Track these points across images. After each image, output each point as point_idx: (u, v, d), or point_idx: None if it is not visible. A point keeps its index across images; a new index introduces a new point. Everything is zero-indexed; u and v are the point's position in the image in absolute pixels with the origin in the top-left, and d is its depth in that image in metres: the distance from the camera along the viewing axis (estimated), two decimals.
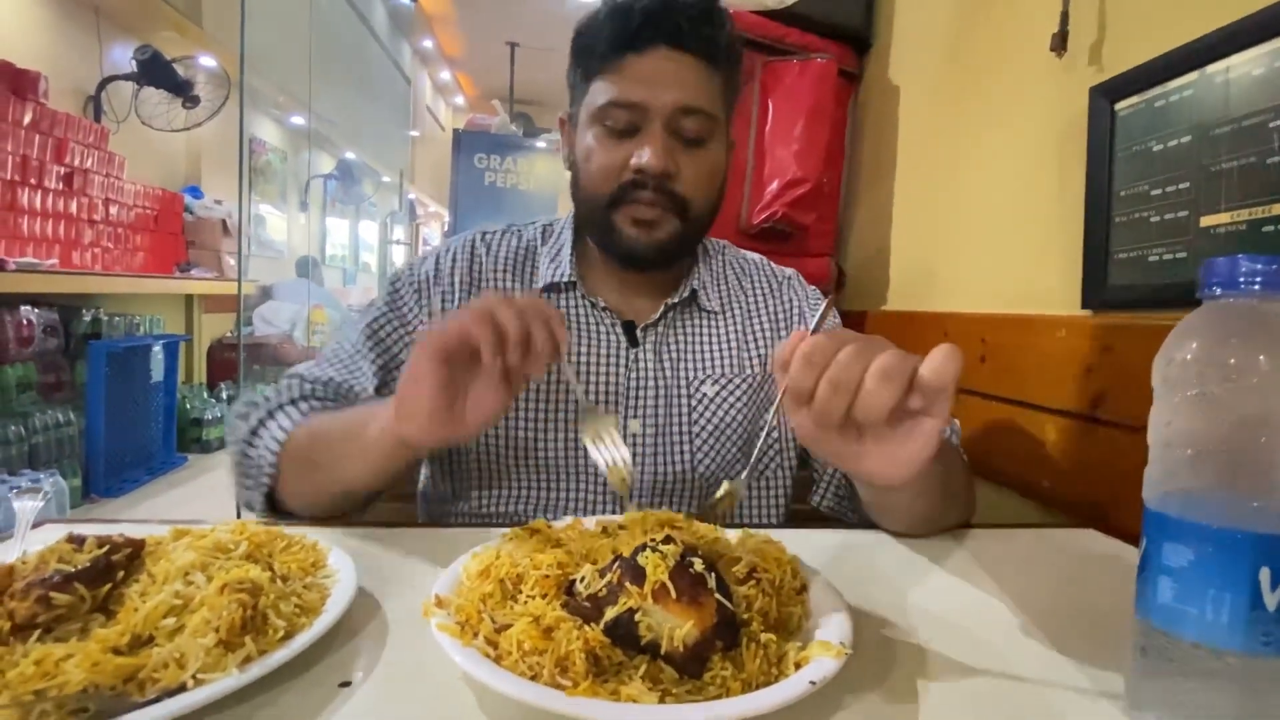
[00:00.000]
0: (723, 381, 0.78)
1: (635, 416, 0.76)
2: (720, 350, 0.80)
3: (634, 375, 0.77)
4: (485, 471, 0.75)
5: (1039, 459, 0.91)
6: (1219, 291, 0.36)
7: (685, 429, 0.76)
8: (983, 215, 1.11)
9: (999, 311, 1.04)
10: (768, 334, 0.82)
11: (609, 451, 0.54)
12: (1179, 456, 0.36)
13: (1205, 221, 0.70)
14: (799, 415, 0.45)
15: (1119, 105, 0.81)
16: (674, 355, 0.78)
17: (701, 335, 0.80)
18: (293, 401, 0.71)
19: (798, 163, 1.35)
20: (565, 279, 0.78)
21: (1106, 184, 0.82)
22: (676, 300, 0.78)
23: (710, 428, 0.77)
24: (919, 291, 1.30)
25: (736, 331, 0.81)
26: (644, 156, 0.69)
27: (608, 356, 0.76)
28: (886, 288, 1.40)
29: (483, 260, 0.80)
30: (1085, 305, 0.85)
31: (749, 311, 0.83)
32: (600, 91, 0.71)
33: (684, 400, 0.77)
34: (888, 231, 1.40)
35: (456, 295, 0.78)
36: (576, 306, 0.78)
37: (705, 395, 0.77)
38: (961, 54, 1.19)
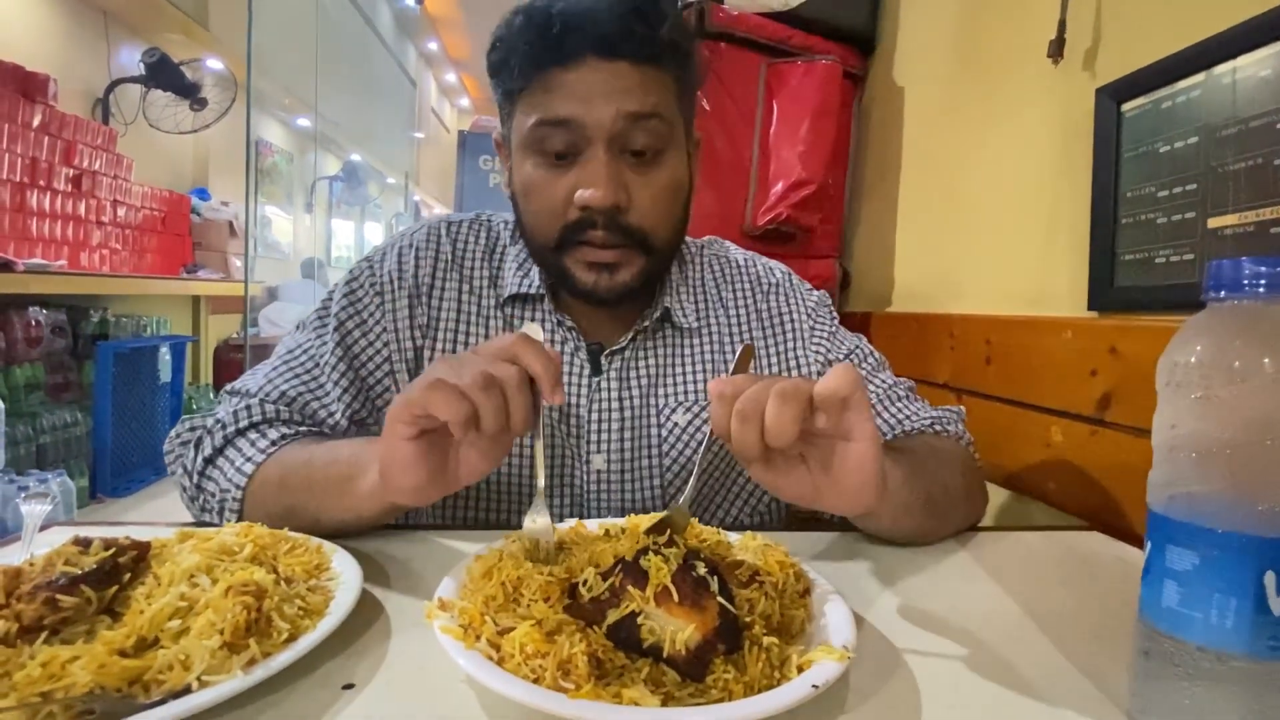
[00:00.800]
0: (695, 409, 0.71)
1: (599, 451, 0.70)
2: (695, 373, 0.73)
3: (596, 405, 0.70)
4: (472, 505, 0.72)
5: (1044, 461, 0.90)
6: (1223, 294, 0.36)
7: (655, 463, 0.70)
8: (988, 217, 1.10)
9: (1004, 313, 1.03)
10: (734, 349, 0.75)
11: (542, 555, 0.47)
12: (1183, 459, 0.36)
13: (1213, 223, 0.70)
14: (748, 466, 0.47)
15: (1125, 106, 0.80)
16: (643, 382, 0.71)
17: (674, 357, 0.73)
18: (253, 425, 0.64)
19: (802, 164, 1.35)
20: (533, 290, 0.71)
21: (1113, 185, 0.81)
22: (646, 323, 0.71)
23: (683, 460, 0.71)
24: (924, 293, 1.30)
25: (714, 350, 0.74)
26: (587, 192, 0.60)
27: (570, 384, 0.70)
28: (891, 289, 1.40)
29: (448, 257, 0.73)
30: (1091, 307, 0.85)
31: (729, 326, 0.75)
32: (529, 113, 0.62)
33: (653, 431, 0.71)
34: (893, 233, 1.40)
35: (424, 297, 0.71)
36: (542, 322, 0.72)
37: (676, 424, 0.71)
38: (966, 55, 1.19)
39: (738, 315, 0.77)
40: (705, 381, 0.73)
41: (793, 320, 0.77)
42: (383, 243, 0.76)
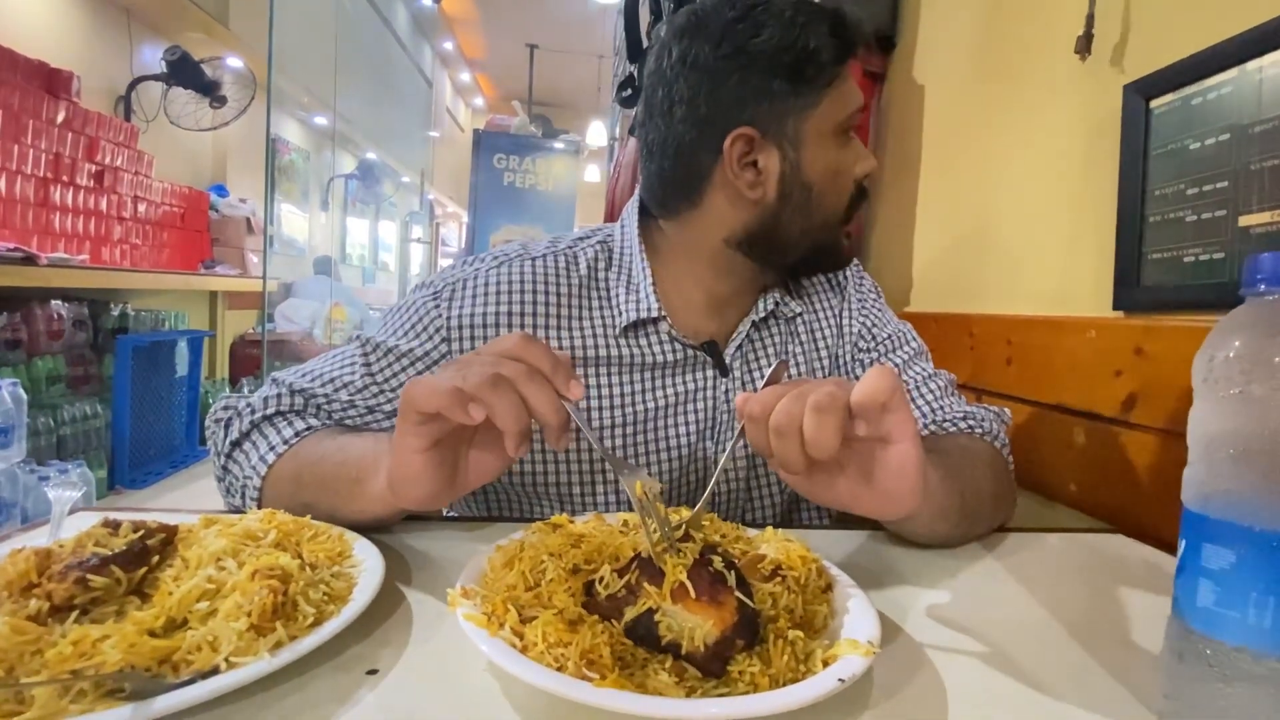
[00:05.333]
0: None
1: (726, 451, 0.69)
2: (798, 355, 0.75)
3: (727, 406, 0.71)
4: (493, 501, 0.73)
5: (1066, 462, 0.89)
6: (1263, 288, 0.35)
7: None
8: (1010, 215, 1.09)
9: (1026, 313, 1.02)
10: (830, 323, 0.78)
11: (654, 523, 0.44)
12: (1220, 457, 0.35)
13: (1244, 221, 0.68)
14: (788, 478, 0.46)
15: (1154, 103, 0.79)
16: (760, 375, 0.73)
17: (779, 345, 0.75)
18: (279, 414, 0.65)
19: None
20: (652, 314, 0.69)
21: (1140, 183, 0.80)
22: (762, 315, 0.73)
23: None
24: (943, 293, 1.29)
25: (808, 333, 0.77)
26: (869, 163, 0.69)
27: (698, 391, 0.71)
28: (910, 289, 1.39)
29: (533, 296, 0.68)
30: (1117, 306, 0.84)
31: (816, 304, 0.79)
32: (842, 99, 0.66)
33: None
34: (911, 232, 1.39)
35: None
36: (660, 342, 0.70)
37: None
38: (988, 53, 1.18)
39: (816, 290, 0.80)
40: (807, 360, 0.76)
41: (847, 291, 0.81)
42: (449, 273, 0.71)
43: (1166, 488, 0.73)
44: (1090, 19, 0.87)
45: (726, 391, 0.72)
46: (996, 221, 1.12)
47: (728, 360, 0.72)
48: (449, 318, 0.67)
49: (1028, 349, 0.99)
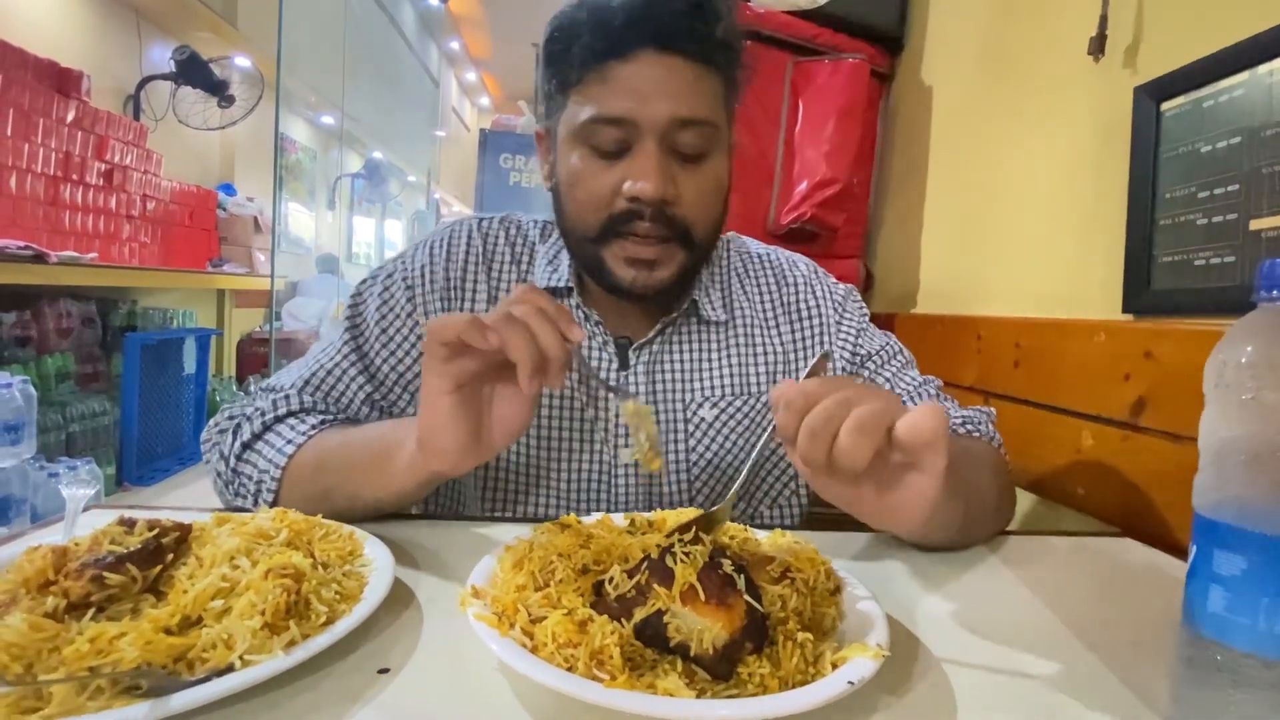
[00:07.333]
0: (723, 404, 0.72)
1: (625, 446, 0.67)
2: (722, 367, 0.73)
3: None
4: (496, 491, 0.73)
5: (1074, 466, 0.89)
6: (1276, 293, 0.35)
7: (681, 458, 0.71)
8: (1018, 217, 1.09)
9: (1034, 316, 1.02)
10: (775, 343, 0.75)
11: (644, 436, 0.50)
12: (1232, 462, 0.35)
13: (1255, 225, 0.68)
14: (793, 458, 0.46)
15: (1165, 105, 0.79)
16: (669, 376, 0.72)
17: (702, 351, 0.73)
18: (291, 414, 0.66)
19: (827, 163, 1.34)
20: (561, 284, 0.72)
21: (1150, 186, 0.80)
22: (675, 314, 0.72)
23: (709, 455, 0.71)
24: (950, 295, 1.28)
25: (740, 344, 0.74)
26: (639, 184, 0.60)
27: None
28: (917, 290, 1.39)
29: (479, 253, 0.74)
30: (1127, 310, 0.84)
31: (755, 318, 0.76)
32: (582, 106, 0.62)
33: (679, 427, 0.71)
34: (918, 233, 1.39)
35: (456, 290, 0.73)
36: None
37: (703, 420, 0.71)
38: (996, 54, 1.18)
39: (763, 308, 0.77)
40: (732, 375, 0.73)
41: (819, 312, 0.77)
42: (415, 242, 0.78)
43: (1175, 492, 0.73)
44: (1104, 19, 0.87)
45: (627, 384, 0.71)
46: (1005, 223, 1.12)
47: (632, 356, 0.72)
48: (411, 270, 0.74)
49: (1036, 352, 0.98)
